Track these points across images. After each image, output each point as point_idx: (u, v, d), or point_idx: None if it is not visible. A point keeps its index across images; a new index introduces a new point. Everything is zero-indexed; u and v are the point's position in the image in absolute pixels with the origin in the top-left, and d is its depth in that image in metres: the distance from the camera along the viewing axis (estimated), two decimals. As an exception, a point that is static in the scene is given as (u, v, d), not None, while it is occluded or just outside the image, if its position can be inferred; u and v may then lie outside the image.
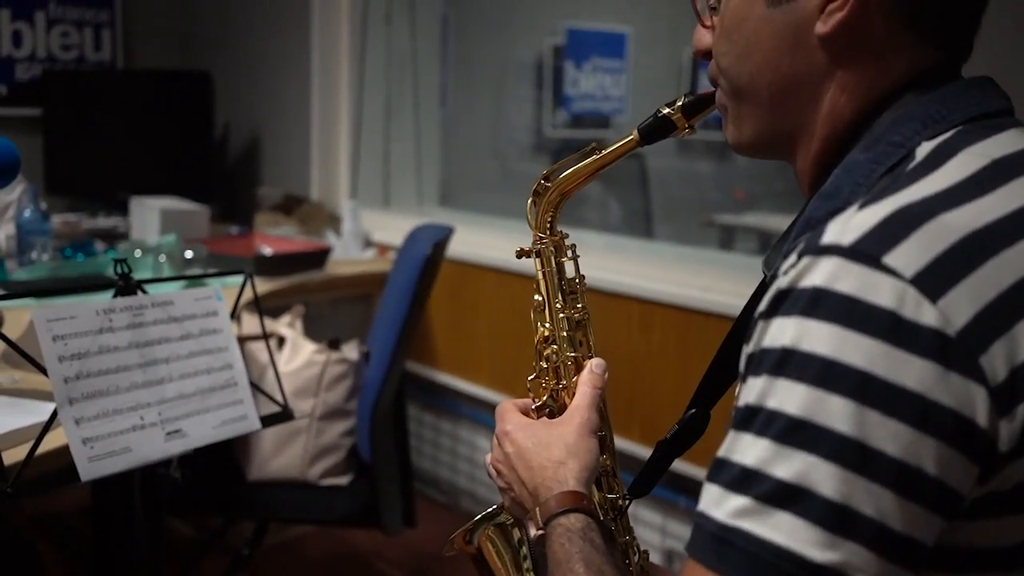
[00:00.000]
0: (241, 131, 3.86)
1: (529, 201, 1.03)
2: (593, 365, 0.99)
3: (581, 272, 1.05)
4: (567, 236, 1.05)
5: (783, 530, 0.59)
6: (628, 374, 2.46)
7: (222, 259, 2.68)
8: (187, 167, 3.63)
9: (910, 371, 0.58)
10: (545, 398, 1.01)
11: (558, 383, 1.01)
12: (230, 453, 2.22)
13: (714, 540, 0.62)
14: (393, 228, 3.20)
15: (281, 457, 2.19)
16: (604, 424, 1.00)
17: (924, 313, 0.59)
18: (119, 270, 1.39)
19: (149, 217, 2.97)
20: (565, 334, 1.02)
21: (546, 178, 1.02)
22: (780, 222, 4.22)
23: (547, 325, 1.03)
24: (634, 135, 0.96)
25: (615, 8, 4.89)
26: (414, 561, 2.84)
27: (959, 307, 0.60)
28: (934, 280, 0.60)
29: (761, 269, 0.85)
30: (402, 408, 2.44)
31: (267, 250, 2.85)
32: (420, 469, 3.21)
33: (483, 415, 3.02)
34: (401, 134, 3.61)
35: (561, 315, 1.02)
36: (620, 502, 1.00)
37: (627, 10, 4.88)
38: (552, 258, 1.03)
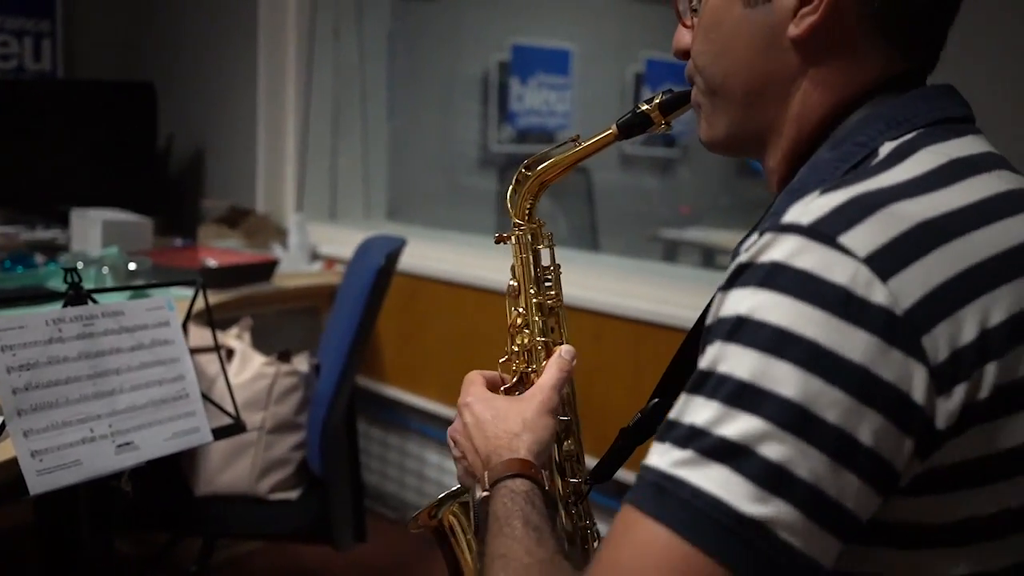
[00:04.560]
0: (185, 143, 3.81)
1: (510, 188, 1.06)
2: (563, 351, 1.02)
3: (556, 261, 1.08)
4: (544, 224, 1.07)
5: (718, 481, 0.61)
6: (579, 385, 2.45)
7: (166, 271, 2.64)
8: (130, 179, 3.57)
9: (856, 344, 0.61)
10: (515, 380, 1.04)
11: (528, 366, 1.04)
12: (177, 467, 2.18)
13: (653, 488, 0.64)
14: (340, 241, 3.18)
15: (229, 471, 2.16)
16: (570, 410, 1.04)
17: (875, 291, 0.62)
18: (70, 279, 1.37)
19: (91, 229, 2.91)
20: (537, 319, 1.05)
21: (528, 167, 1.05)
22: (723, 237, 4.29)
23: (520, 310, 1.05)
24: (612, 129, 1.00)
25: (560, 25, 4.94)
26: (363, 576, 2.82)
27: (908, 288, 0.63)
28: (886, 261, 0.63)
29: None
30: (353, 421, 2.42)
31: (212, 262, 2.82)
32: (369, 484, 3.19)
33: (432, 429, 3.01)
34: (348, 147, 3.60)
35: (534, 301, 1.05)
36: (582, 486, 1.03)
37: (572, 27, 4.93)
38: (529, 245, 1.06)
